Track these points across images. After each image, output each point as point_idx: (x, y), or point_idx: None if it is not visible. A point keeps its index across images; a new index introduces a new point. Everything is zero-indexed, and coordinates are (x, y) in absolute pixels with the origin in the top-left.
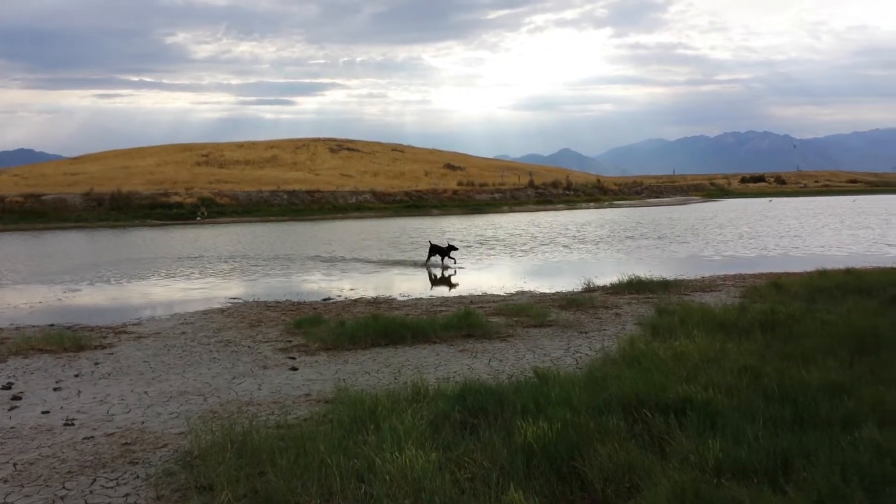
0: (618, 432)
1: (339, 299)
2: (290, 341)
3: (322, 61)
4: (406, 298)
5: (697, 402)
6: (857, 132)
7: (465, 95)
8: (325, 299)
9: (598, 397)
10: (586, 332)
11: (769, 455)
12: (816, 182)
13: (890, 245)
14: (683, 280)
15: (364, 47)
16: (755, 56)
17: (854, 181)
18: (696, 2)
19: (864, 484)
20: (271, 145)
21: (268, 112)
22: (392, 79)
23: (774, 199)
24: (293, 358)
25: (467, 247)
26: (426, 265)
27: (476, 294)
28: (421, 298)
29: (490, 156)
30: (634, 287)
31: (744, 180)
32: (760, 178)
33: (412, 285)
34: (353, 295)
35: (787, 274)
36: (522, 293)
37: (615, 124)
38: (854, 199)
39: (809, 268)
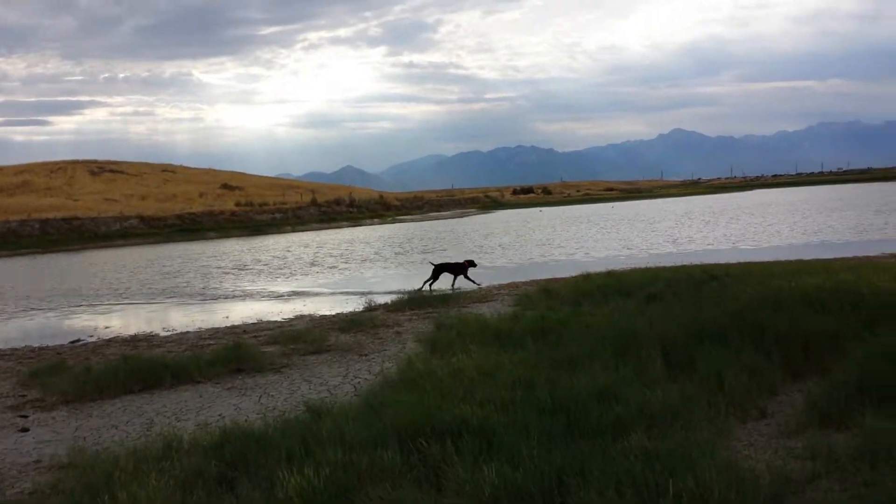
0: (393, 468)
1: (90, 340)
2: (23, 396)
3: (80, 78)
4: (170, 333)
5: (473, 423)
6: (612, 144)
7: (242, 113)
8: (73, 342)
9: (374, 428)
10: (366, 355)
11: (544, 476)
12: (578, 191)
13: (630, 248)
14: (462, 292)
15: (127, 63)
16: (520, 75)
17: (611, 189)
18: (464, 24)
19: (638, 495)
20: (22, 170)
21: (18, 134)
22: (160, 95)
23: (545, 209)
24: (25, 416)
25: (225, 273)
26: (426, 289)
27: (251, 322)
28: (188, 332)
29: (271, 174)
30: (415, 303)
31: (515, 192)
32: (530, 190)
33: (178, 317)
34: (109, 334)
35: (556, 279)
36: (301, 317)
37: (395, 141)
38: (612, 206)
39: (575, 272)
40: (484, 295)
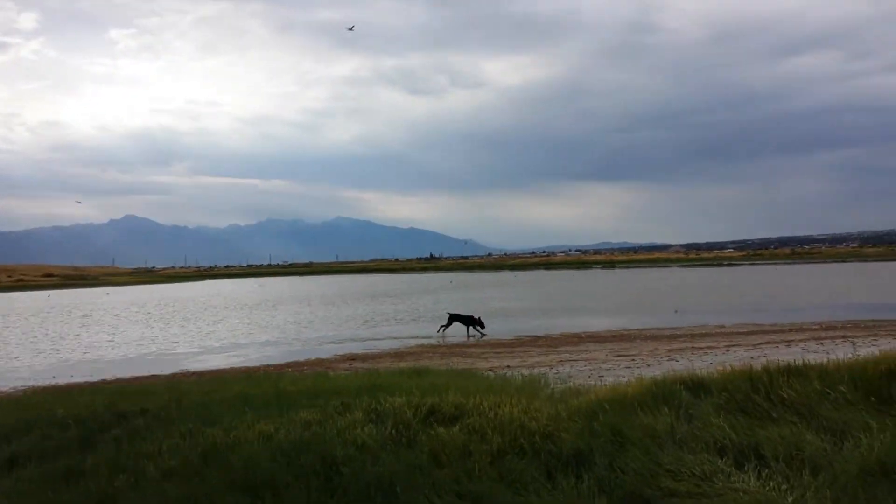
0: None
1: None
2: None
3: None
4: None
5: None
6: (58, 227)
7: None
8: None
9: None
10: None
11: None
12: (10, 277)
13: (53, 351)
14: None
15: None
16: None
17: (50, 275)
18: None
19: None
20: None
21: None
22: None
23: None
24: None
25: None
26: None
27: None
28: None
29: None
30: None
31: None
32: None
33: None
34: None
35: None
36: None
37: None
38: (49, 295)
39: None
40: None
